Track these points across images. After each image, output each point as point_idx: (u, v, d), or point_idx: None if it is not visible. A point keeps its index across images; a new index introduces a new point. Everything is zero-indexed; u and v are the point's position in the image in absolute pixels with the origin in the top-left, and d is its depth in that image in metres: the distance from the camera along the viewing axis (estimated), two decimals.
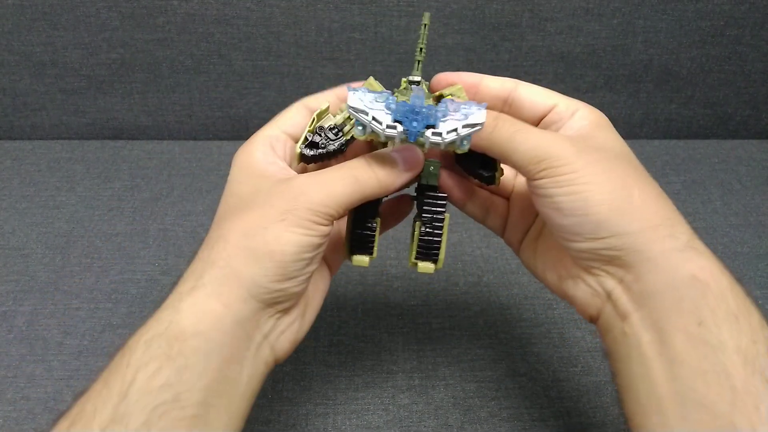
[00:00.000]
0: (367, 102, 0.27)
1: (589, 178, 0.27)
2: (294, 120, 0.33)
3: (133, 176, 0.63)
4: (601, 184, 0.27)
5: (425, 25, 0.31)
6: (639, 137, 0.72)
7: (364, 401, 0.41)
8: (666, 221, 0.27)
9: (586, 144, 0.28)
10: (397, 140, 0.27)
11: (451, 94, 0.31)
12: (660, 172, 0.66)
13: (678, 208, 0.64)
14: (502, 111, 0.32)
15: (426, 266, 0.33)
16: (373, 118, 0.27)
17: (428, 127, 0.27)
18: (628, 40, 0.65)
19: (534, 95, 0.32)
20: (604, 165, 0.28)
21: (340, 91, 0.34)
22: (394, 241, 0.54)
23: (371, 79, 0.32)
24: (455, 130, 0.27)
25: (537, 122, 0.32)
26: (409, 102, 0.28)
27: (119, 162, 0.65)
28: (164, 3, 0.61)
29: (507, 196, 0.37)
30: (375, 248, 0.33)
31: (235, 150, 0.32)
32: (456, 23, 0.63)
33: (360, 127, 0.28)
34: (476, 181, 0.34)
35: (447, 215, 0.33)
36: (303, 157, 0.31)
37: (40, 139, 0.69)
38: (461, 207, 0.36)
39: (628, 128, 0.71)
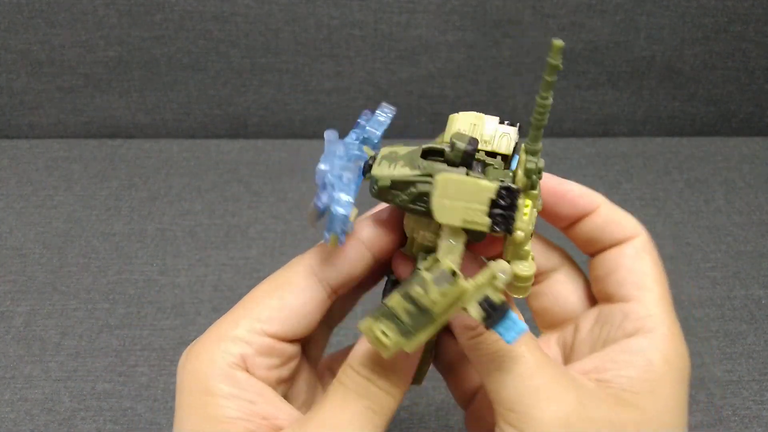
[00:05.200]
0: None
1: None
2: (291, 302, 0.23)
3: (130, 175, 0.63)
4: None
5: (553, 66, 0.19)
6: (642, 135, 0.71)
7: None
8: None
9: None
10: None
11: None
12: (663, 170, 0.65)
13: (681, 206, 0.63)
14: (576, 224, 0.26)
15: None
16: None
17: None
18: (630, 36, 0.64)
19: (620, 218, 0.25)
20: None
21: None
22: None
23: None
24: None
25: (612, 245, 0.25)
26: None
27: (117, 161, 0.65)
28: (162, 0, 0.60)
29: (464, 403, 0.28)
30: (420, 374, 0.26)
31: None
32: (457, 20, 0.63)
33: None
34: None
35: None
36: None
37: (37, 137, 0.68)
38: None
39: (631, 125, 0.71)
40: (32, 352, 0.44)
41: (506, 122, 0.24)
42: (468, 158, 0.21)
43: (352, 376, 0.22)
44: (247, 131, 0.68)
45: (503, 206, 0.20)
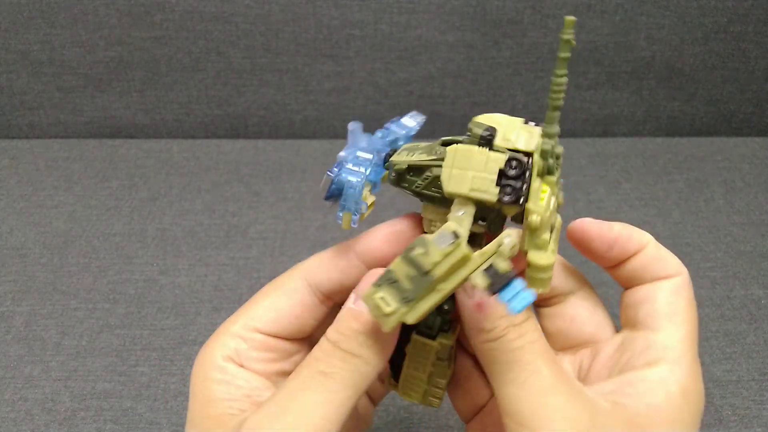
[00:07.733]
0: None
1: None
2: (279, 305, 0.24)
3: (131, 175, 0.63)
4: None
5: (566, 41, 0.18)
6: (642, 135, 0.71)
7: None
8: None
9: None
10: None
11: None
12: (663, 170, 0.65)
13: (681, 206, 0.63)
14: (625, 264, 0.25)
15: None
16: None
17: None
18: (630, 36, 0.64)
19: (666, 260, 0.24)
20: None
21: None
22: None
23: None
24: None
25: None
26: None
27: (117, 161, 0.65)
28: (162, 0, 0.60)
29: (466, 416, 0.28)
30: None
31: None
32: (457, 20, 0.63)
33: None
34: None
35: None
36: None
37: (38, 137, 0.68)
38: None
39: (631, 125, 0.71)
40: (33, 352, 0.44)
41: (532, 123, 0.23)
42: (484, 143, 0.21)
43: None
44: (247, 131, 0.69)
45: (513, 176, 0.20)
